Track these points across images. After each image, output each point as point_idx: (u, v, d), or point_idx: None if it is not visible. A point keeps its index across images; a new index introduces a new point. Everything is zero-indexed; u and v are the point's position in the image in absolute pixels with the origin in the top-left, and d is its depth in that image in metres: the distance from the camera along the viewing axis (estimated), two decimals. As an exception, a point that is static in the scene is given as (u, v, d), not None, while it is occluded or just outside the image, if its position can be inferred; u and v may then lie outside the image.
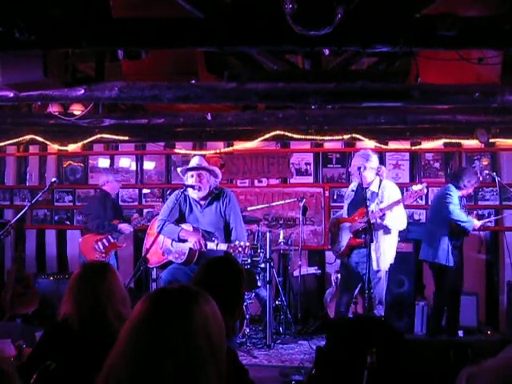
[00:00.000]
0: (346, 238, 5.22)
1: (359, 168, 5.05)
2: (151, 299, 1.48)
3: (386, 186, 5.13)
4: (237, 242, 4.55)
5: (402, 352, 1.97)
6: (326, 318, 5.95)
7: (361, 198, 5.06)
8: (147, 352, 1.37)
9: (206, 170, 4.84)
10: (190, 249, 4.65)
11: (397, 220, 5.04)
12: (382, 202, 5.03)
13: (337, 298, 5.50)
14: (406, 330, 5.92)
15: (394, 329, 2.05)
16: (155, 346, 1.38)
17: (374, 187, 5.16)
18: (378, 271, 5.04)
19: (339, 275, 5.72)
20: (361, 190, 5.16)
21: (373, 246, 4.90)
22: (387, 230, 5.04)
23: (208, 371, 1.41)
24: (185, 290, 1.52)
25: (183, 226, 4.81)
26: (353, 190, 5.35)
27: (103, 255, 6.20)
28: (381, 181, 5.19)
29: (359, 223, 5.06)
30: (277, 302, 6.24)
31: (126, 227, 6.37)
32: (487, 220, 5.99)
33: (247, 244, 4.63)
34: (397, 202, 5.03)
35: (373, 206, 5.03)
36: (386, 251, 5.05)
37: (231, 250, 4.53)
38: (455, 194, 5.56)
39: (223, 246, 4.56)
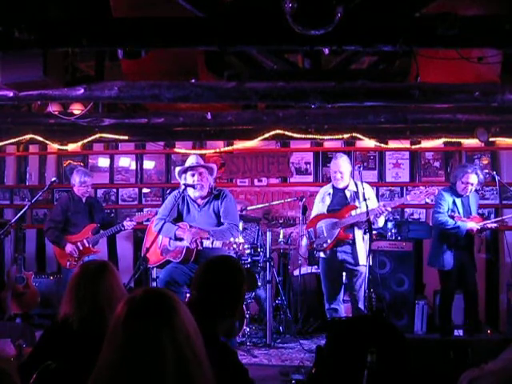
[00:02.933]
0: (331, 234, 5.28)
1: (350, 170, 5.39)
2: (129, 304, 1.49)
3: (365, 186, 5.26)
4: (232, 239, 4.56)
5: (402, 351, 1.97)
6: (326, 318, 5.93)
7: (342, 199, 5.36)
8: (122, 356, 1.40)
9: (204, 167, 4.85)
10: (187, 247, 4.66)
11: (382, 218, 5.29)
12: (368, 198, 5.10)
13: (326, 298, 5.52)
14: (406, 329, 5.92)
15: (395, 328, 2.05)
16: (129, 351, 1.41)
17: (351, 187, 5.39)
18: (364, 266, 5.15)
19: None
20: (338, 191, 5.40)
21: (360, 242, 5.22)
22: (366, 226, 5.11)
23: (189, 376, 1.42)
24: (164, 298, 1.53)
25: (180, 224, 4.83)
26: (329, 194, 5.45)
27: (76, 260, 5.80)
28: (355, 182, 5.42)
29: (350, 218, 5.22)
30: (277, 302, 6.24)
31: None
32: (488, 222, 5.68)
33: (242, 241, 4.64)
34: (402, 200, 5.46)
35: (362, 205, 5.15)
36: (365, 247, 5.17)
37: (226, 248, 4.54)
38: (445, 199, 5.53)
39: (218, 244, 4.57)
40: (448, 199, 5.55)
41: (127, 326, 1.44)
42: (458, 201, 5.58)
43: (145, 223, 6.33)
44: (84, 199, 6.04)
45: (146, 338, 1.42)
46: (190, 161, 4.91)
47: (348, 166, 5.38)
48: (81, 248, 5.84)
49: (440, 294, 5.92)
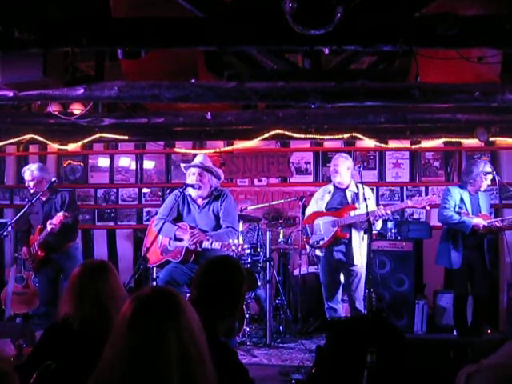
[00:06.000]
0: (328, 231, 5.28)
1: (348, 168, 5.34)
2: (136, 303, 1.49)
3: (365, 187, 5.23)
4: (230, 241, 4.56)
5: (402, 351, 1.97)
6: (326, 317, 5.94)
7: (342, 199, 5.35)
8: (125, 356, 1.39)
9: (207, 170, 4.84)
10: (187, 248, 4.66)
11: (381, 222, 5.32)
12: (368, 198, 5.09)
13: (324, 297, 5.52)
14: (406, 329, 5.92)
15: (395, 328, 2.05)
16: (134, 350, 1.41)
17: (352, 188, 5.37)
18: (362, 266, 5.17)
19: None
20: (339, 191, 5.39)
21: (358, 243, 5.21)
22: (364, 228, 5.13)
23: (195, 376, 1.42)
24: (170, 296, 1.53)
25: (180, 224, 4.83)
26: (329, 192, 5.43)
27: (32, 263, 5.64)
28: (356, 184, 5.38)
29: (349, 218, 5.21)
30: (277, 302, 6.24)
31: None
32: (497, 220, 5.51)
33: (241, 242, 4.64)
34: (403, 205, 5.47)
35: (362, 206, 5.14)
36: (363, 248, 5.16)
37: (225, 249, 4.54)
38: (451, 196, 5.48)
39: (217, 245, 4.57)
40: (455, 196, 5.49)
41: (133, 326, 1.43)
42: (467, 198, 5.50)
43: (145, 223, 6.33)
44: (45, 199, 5.73)
45: (151, 336, 1.42)
46: (196, 160, 4.93)
47: (344, 162, 5.34)
48: (33, 251, 5.62)
49: (453, 294, 5.87)
